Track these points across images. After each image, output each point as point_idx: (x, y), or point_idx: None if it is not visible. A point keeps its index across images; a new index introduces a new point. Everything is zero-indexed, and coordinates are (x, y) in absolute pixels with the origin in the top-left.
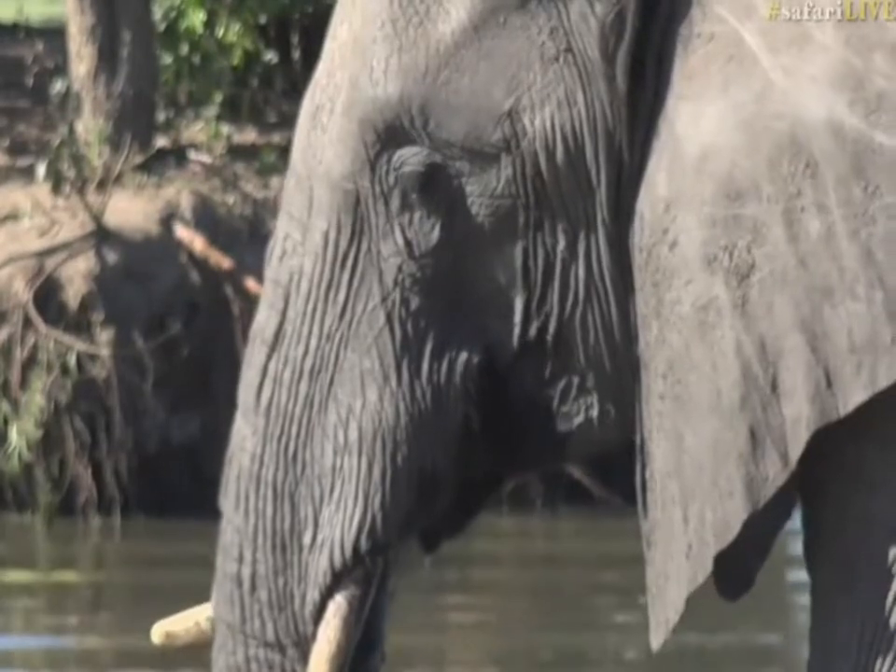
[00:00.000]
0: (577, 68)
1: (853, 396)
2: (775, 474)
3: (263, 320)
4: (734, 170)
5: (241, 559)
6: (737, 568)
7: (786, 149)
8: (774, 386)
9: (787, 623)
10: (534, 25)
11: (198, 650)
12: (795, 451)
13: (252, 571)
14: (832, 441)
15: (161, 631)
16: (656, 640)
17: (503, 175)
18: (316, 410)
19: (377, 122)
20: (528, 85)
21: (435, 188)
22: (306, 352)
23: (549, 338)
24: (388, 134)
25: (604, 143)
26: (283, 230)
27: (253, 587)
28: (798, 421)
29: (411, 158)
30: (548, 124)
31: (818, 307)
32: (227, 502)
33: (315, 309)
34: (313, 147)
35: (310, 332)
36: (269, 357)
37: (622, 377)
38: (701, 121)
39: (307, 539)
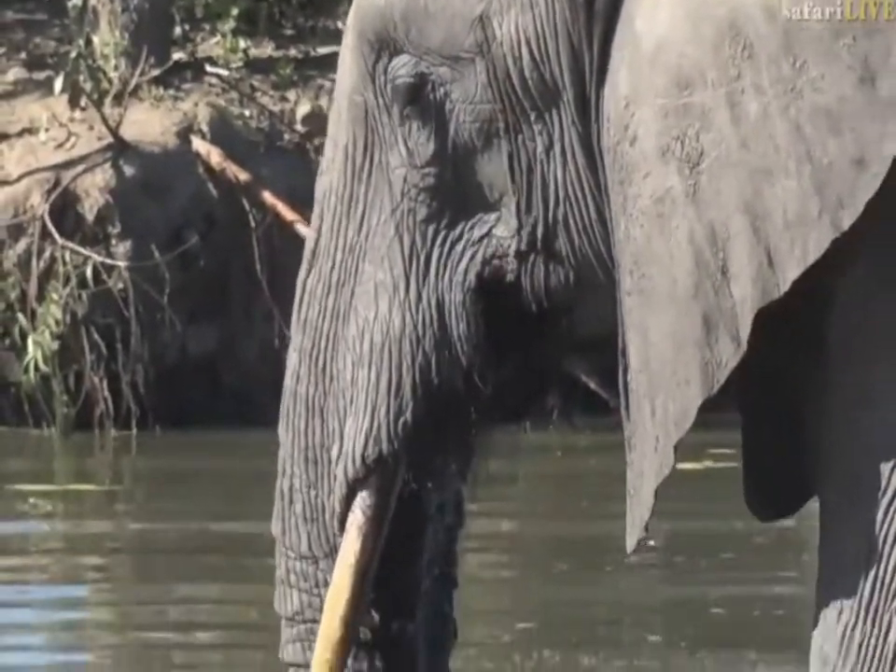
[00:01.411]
0: None
1: (789, 272)
2: (728, 358)
3: (308, 239)
4: (681, 60)
5: (283, 473)
6: (784, 494)
7: (726, 34)
8: (724, 271)
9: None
10: None
11: None
12: (745, 332)
13: (290, 484)
14: (833, 363)
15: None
16: (630, 541)
17: (479, 81)
18: (341, 322)
19: (370, 33)
20: None
21: (425, 96)
22: (333, 266)
23: (539, 241)
24: (380, 45)
25: (565, 44)
26: (325, 150)
27: (291, 500)
28: (744, 302)
29: (401, 68)
30: (513, 28)
31: (759, 188)
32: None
33: (339, 223)
34: (342, 66)
35: (336, 246)
36: (308, 274)
37: (608, 277)
38: (656, 16)
39: (335, 452)
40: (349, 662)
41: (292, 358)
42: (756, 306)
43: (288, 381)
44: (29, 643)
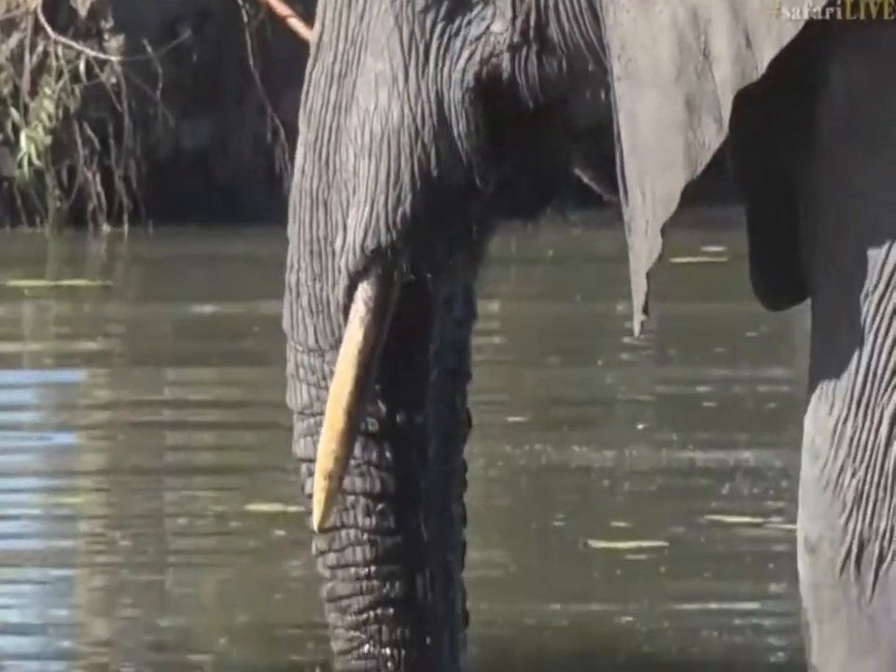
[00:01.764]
0: None
1: (766, 52)
2: (710, 139)
3: (314, 31)
4: None
5: (290, 267)
6: (788, 283)
7: None
8: (706, 54)
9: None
10: None
11: None
12: (726, 114)
13: (296, 278)
14: (823, 153)
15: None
16: (636, 324)
17: None
18: (343, 114)
19: None
20: None
21: None
22: (335, 57)
23: (531, 30)
24: None
25: None
26: None
27: (298, 293)
28: (724, 84)
29: None
30: None
31: None
32: None
33: (341, 14)
34: None
35: (338, 37)
36: (313, 66)
37: (599, 66)
38: None
39: (338, 244)
40: (359, 452)
41: (299, 153)
42: (735, 88)
43: (296, 175)
44: (21, 421)
